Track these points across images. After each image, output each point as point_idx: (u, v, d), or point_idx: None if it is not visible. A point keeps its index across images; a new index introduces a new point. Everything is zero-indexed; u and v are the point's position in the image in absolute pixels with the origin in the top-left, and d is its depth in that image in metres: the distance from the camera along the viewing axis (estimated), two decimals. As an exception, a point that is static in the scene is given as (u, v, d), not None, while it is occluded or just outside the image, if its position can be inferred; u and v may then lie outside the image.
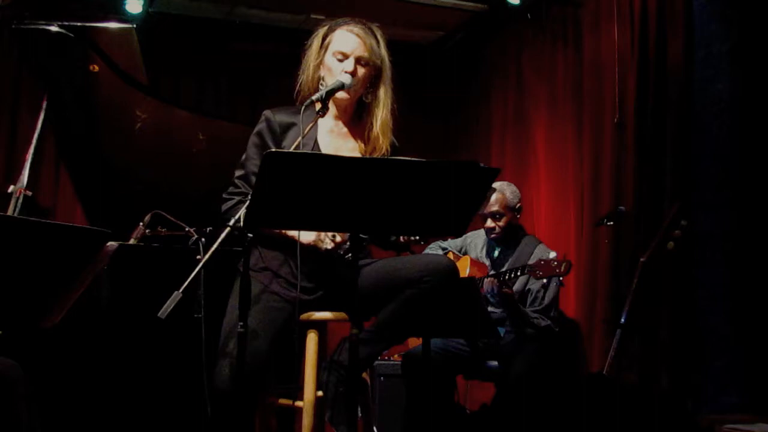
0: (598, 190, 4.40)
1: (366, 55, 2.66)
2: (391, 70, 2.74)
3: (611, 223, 3.74)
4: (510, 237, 3.92)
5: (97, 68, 3.42)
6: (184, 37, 5.46)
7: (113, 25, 3.72)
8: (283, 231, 2.63)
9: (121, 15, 4.96)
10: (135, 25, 3.47)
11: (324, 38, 2.71)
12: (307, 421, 2.56)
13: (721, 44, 3.89)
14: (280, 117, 2.70)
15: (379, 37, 2.72)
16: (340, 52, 2.65)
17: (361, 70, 2.66)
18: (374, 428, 3.18)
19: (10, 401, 2.21)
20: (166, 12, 5.25)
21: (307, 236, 2.61)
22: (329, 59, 2.67)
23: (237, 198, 2.65)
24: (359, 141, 2.75)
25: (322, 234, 2.61)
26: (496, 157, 5.50)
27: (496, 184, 3.86)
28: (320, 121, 2.63)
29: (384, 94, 2.72)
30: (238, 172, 2.70)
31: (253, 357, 2.41)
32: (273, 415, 2.88)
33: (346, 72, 2.62)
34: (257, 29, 5.55)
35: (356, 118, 2.78)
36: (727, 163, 3.82)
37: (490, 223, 3.89)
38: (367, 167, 2.15)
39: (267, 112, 2.73)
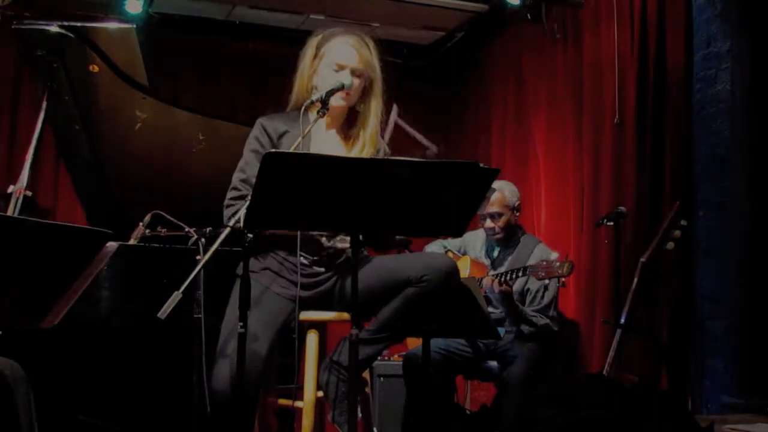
0: (598, 190, 4.39)
1: (361, 66, 2.70)
2: (382, 81, 2.76)
3: (611, 223, 3.74)
4: (509, 236, 3.92)
5: (97, 68, 3.42)
6: (184, 37, 5.46)
7: (113, 25, 3.72)
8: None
9: (121, 15, 4.97)
10: (135, 25, 3.46)
11: (318, 48, 2.73)
12: (307, 421, 2.57)
13: (721, 44, 3.90)
14: (275, 124, 2.72)
15: (372, 48, 2.75)
16: (336, 63, 2.68)
17: (356, 81, 2.68)
18: (374, 428, 3.19)
19: (10, 401, 2.21)
20: (166, 12, 5.26)
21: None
22: (324, 69, 2.69)
23: (242, 203, 2.65)
24: (349, 149, 2.76)
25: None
26: (496, 157, 5.50)
27: (495, 184, 3.85)
28: (313, 129, 2.64)
29: (375, 104, 2.76)
30: (240, 176, 2.70)
31: (252, 357, 2.41)
32: (273, 415, 2.88)
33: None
34: (257, 29, 5.56)
35: (346, 127, 2.81)
36: (727, 163, 3.82)
37: (489, 223, 3.88)
38: (367, 168, 2.15)
39: (262, 119, 2.75)
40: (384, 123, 2.83)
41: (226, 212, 2.66)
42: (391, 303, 2.57)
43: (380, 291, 2.58)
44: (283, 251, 2.66)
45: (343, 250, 2.68)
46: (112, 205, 3.67)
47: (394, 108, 2.60)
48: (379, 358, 3.89)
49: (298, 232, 2.56)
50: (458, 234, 2.56)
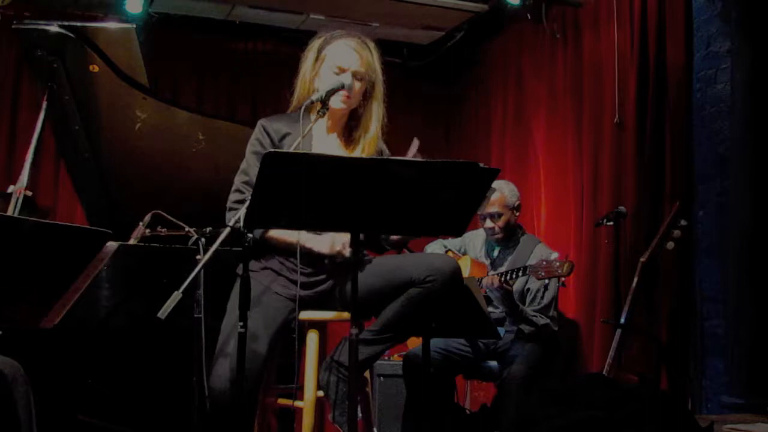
0: (598, 190, 4.40)
1: (362, 69, 2.69)
2: (384, 84, 2.76)
3: (611, 223, 3.74)
4: (509, 236, 3.93)
5: (96, 68, 3.42)
6: (184, 37, 5.47)
7: (113, 25, 3.72)
8: (285, 239, 2.63)
9: (121, 15, 4.97)
10: (135, 25, 3.46)
11: (319, 51, 2.73)
12: (307, 421, 2.57)
13: (721, 44, 3.90)
14: (276, 125, 2.72)
15: (373, 50, 2.75)
16: (337, 66, 2.67)
17: (357, 84, 2.68)
18: (374, 428, 3.18)
19: (10, 401, 2.21)
20: (166, 12, 5.25)
21: (320, 245, 2.62)
22: (325, 72, 2.69)
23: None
24: (350, 152, 2.76)
25: (338, 246, 2.62)
26: (496, 157, 5.50)
27: (494, 184, 3.85)
28: (314, 130, 2.65)
29: (377, 107, 2.76)
30: (242, 178, 2.69)
31: (252, 357, 2.41)
32: (273, 415, 2.88)
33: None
34: (257, 29, 5.56)
35: (348, 130, 2.80)
36: (727, 163, 3.82)
37: (489, 223, 3.88)
38: (366, 168, 2.15)
39: (263, 121, 2.75)
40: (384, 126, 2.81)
41: (229, 215, 2.66)
42: (394, 304, 2.57)
43: (382, 291, 2.57)
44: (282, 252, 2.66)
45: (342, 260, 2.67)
46: (112, 205, 3.67)
47: (415, 141, 2.59)
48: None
49: (298, 240, 2.56)
50: (458, 234, 2.56)
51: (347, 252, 2.60)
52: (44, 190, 5.03)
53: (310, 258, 2.63)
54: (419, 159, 2.79)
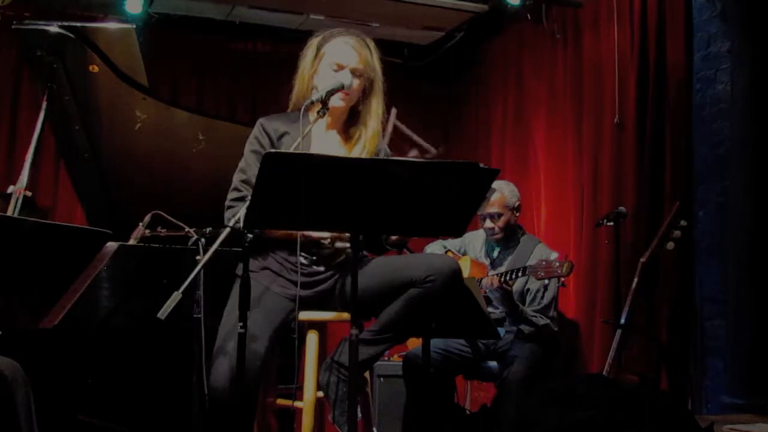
0: (598, 190, 4.40)
1: (361, 67, 2.70)
2: (383, 81, 2.76)
3: (611, 223, 3.74)
4: (509, 237, 3.93)
5: (96, 69, 3.42)
6: (184, 37, 5.47)
7: (113, 25, 3.73)
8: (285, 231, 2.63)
9: (121, 15, 4.97)
10: (135, 26, 3.46)
11: (318, 49, 2.73)
12: (307, 421, 2.57)
13: (721, 44, 3.90)
14: (274, 125, 2.72)
15: (372, 48, 2.75)
16: (336, 63, 2.68)
17: (355, 82, 2.68)
18: (374, 428, 3.18)
19: (10, 401, 2.21)
20: (166, 12, 5.26)
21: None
22: (324, 69, 2.69)
23: (243, 204, 2.65)
24: (350, 149, 2.76)
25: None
26: (496, 157, 5.51)
27: (494, 184, 3.84)
28: (314, 129, 2.65)
29: (375, 105, 2.76)
30: (241, 176, 2.69)
31: (251, 356, 2.41)
32: (273, 415, 2.88)
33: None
34: (257, 29, 5.56)
35: (347, 128, 2.80)
36: (727, 164, 3.82)
37: (489, 223, 3.88)
38: (367, 168, 2.16)
39: (262, 120, 2.75)
40: (384, 125, 2.82)
41: (227, 213, 2.66)
42: (394, 304, 2.56)
43: (382, 291, 2.57)
44: (282, 251, 2.66)
45: (343, 250, 2.68)
46: (112, 205, 3.67)
47: (393, 110, 2.60)
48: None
49: (298, 241, 2.56)
50: (458, 234, 2.56)
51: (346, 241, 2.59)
52: (44, 190, 5.03)
53: (310, 245, 2.63)
54: (401, 127, 2.78)
